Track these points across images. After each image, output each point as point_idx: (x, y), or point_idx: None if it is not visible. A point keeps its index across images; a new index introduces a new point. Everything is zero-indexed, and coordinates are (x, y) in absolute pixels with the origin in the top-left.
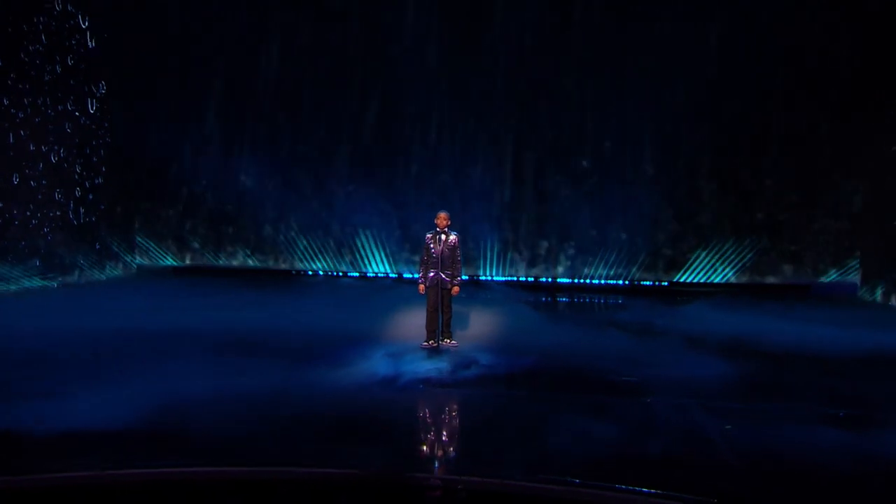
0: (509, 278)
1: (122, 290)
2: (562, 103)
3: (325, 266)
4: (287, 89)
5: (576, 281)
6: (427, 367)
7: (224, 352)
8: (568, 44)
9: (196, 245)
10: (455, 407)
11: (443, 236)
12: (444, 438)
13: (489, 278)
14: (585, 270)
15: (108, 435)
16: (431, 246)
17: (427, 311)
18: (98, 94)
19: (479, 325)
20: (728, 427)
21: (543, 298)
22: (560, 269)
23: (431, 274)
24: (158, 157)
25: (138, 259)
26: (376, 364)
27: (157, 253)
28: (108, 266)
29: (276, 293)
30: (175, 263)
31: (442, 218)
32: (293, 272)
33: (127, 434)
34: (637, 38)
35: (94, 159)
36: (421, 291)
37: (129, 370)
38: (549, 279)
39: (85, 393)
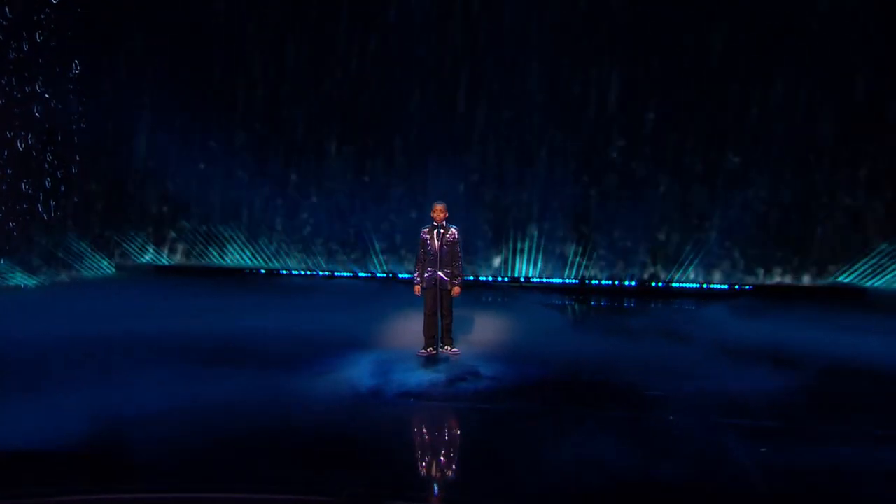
0: (534, 280)
1: (96, 291)
2: (598, 85)
3: (315, 266)
4: (276, 75)
5: (615, 283)
6: (420, 377)
7: (193, 359)
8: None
9: (181, 243)
10: (446, 424)
11: (440, 231)
12: (429, 461)
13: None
14: (620, 271)
15: (26, 456)
16: (428, 242)
17: (424, 314)
18: (71, 75)
19: (487, 331)
20: (763, 450)
21: (569, 302)
22: (594, 271)
23: (428, 273)
24: (139, 146)
25: (117, 257)
26: (363, 373)
27: (137, 250)
28: (82, 265)
29: (264, 295)
30: (158, 262)
31: (439, 210)
32: (283, 272)
33: (52, 454)
34: None
35: (67, 146)
36: (417, 293)
37: (76, 380)
38: (581, 280)
39: (12, 407)
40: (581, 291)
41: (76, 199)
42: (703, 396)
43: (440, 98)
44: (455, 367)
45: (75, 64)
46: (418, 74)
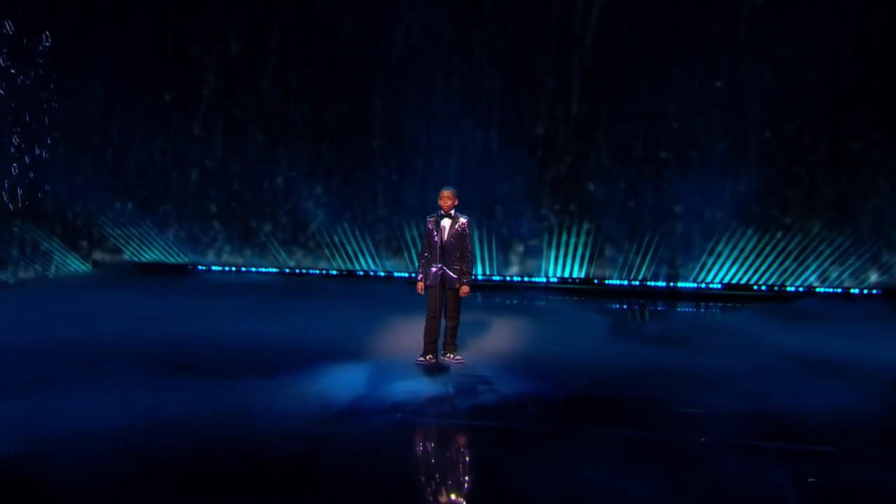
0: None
1: (67, 291)
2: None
3: (309, 263)
4: (268, 60)
5: (670, 285)
6: (413, 389)
7: (152, 368)
8: None
9: (164, 238)
10: (434, 445)
11: (447, 221)
12: (408, 490)
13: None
14: (671, 271)
15: None
16: (434, 233)
17: (427, 316)
18: (41, 49)
19: (500, 337)
20: (811, 480)
21: (616, 305)
22: (646, 272)
23: (434, 269)
24: (118, 128)
25: (95, 253)
26: (347, 384)
27: (117, 246)
28: (53, 262)
29: (252, 295)
30: (139, 259)
31: (446, 197)
32: (276, 271)
33: None
34: None
35: (36, 128)
36: (420, 291)
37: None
38: (631, 282)
39: None
40: (615, 293)
41: (48, 187)
42: (744, 415)
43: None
44: (456, 379)
45: (45, 36)
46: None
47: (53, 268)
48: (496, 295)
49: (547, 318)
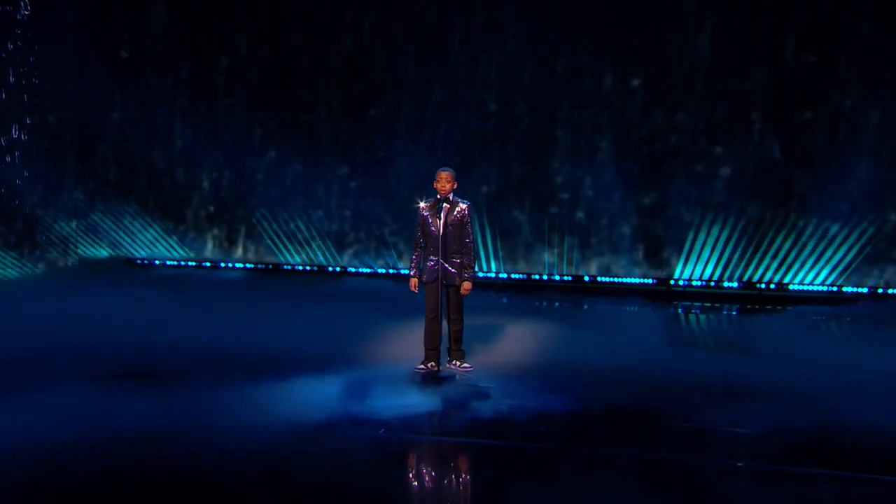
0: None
1: (42, 291)
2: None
3: (308, 259)
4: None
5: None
6: (405, 401)
7: (105, 374)
8: None
9: (156, 231)
10: (420, 466)
11: (445, 206)
12: None
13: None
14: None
15: None
16: (429, 221)
17: (426, 318)
18: (19, 18)
19: (521, 343)
20: None
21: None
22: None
23: (430, 263)
24: (103, 108)
25: (81, 248)
26: (326, 395)
27: (106, 240)
28: (33, 257)
29: (247, 294)
30: (130, 254)
31: (443, 179)
32: (275, 266)
33: None
34: None
35: (11, 106)
36: (413, 288)
37: None
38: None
39: None
40: (666, 295)
41: (27, 174)
42: (795, 435)
43: None
44: (459, 389)
45: (24, 3)
46: None
47: (32, 263)
48: (529, 296)
49: (581, 322)
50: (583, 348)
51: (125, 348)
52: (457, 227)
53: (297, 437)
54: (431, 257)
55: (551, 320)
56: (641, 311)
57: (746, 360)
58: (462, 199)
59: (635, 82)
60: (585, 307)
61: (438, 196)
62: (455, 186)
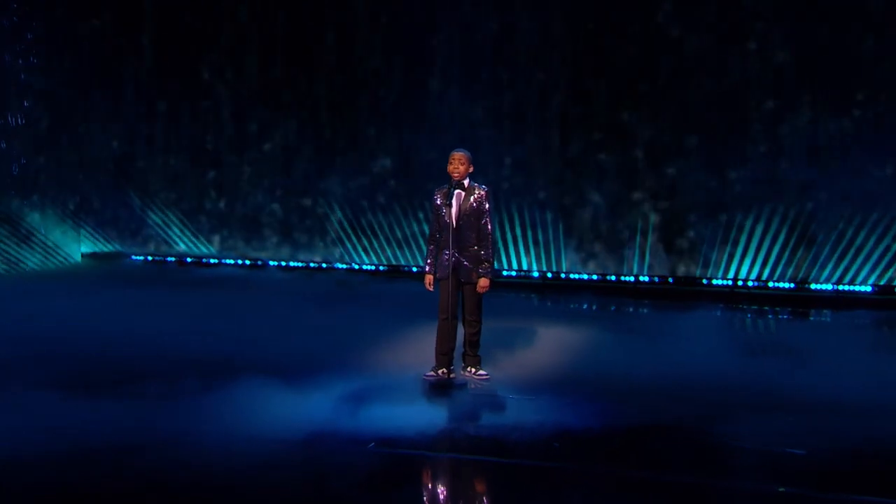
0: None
1: (33, 287)
2: None
3: (312, 256)
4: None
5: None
6: (403, 412)
7: (78, 384)
8: None
9: (162, 227)
10: (406, 483)
11: (459, 193)
12: None
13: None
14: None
15: None
16: (443, 210)
17: (438, 319)
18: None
19: (549, 349)
20: None
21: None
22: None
23: (445, 257)
24: (101, 91)
25: (84, 245)
26: (316, 405)
27: (112, 237)
28: (33, 254)
29: (243, 290)
30: (138, 253)
31: (456, 160)
32: (288, 264)
33: None
34: None
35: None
36: (428, 285)
37: None
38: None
39: None
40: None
41: (24, 161)
42: (854, 458)
43: None
44: (470, 400)
45: None
46: None
47: (33, 260)
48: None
49: (624, 327)
50: (620, 356)
51: (96, 352)
52: (474, 216)
53: (275, 448)
54: (445, 251)
55: (590, 324)
56: (695, 316)
57: (812, 371)
58: (480, 184)
59: None
60: (630, 310)
61: (452, 182)
62: (471, 170)
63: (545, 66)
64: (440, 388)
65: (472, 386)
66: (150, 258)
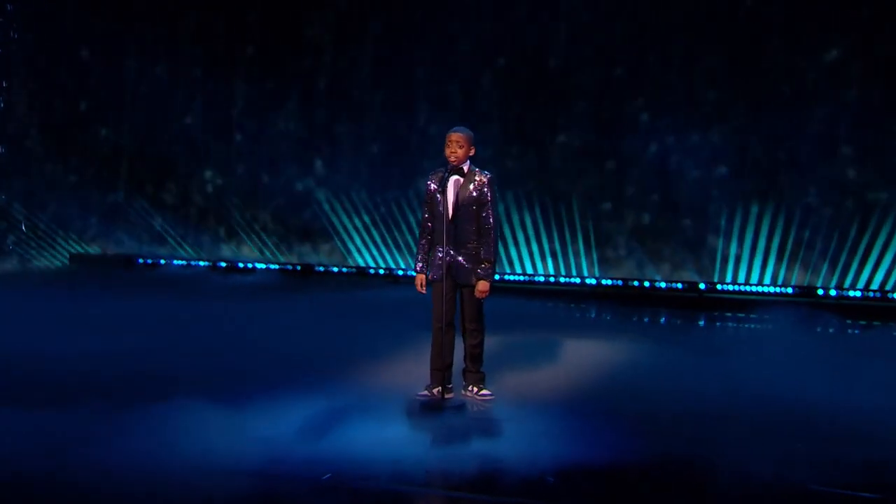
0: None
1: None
2: None
3: (311, 258)
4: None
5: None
6: (376, 437)
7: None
8: None
9: (157, 226)
10: None
11: (458, 179)
12: None
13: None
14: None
15: None
16: (438, 199)
17: (433, 328)
18: None
19: (572, 364)
20: None
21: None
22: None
23: (439, 255)
24: (97, 81)
25: (74, 244)
26: (287, 427)
27: (103, 236)
28: (21, 254)
29: (254, 297)
30: (130, 253)
31: (454, 142)
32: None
33: None
34: None
35: None
36: (420, 287)
37: None
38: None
39: None
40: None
41: (2, 150)
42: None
43: None
44: (462, 423)
45: None
46: None
47: (20, 260)
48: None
49: (651, 339)
50: (644, 375)
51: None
52: (473, 206)
53: (209, 477)
54: (439, 247)
55: (623, 337)
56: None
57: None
58: (481, 168)
59: None
60: (662, 321)
61: (448, 166)
62: (472, 152)
63: None
64: (429, 410)
65: (472, 407)
66: None
